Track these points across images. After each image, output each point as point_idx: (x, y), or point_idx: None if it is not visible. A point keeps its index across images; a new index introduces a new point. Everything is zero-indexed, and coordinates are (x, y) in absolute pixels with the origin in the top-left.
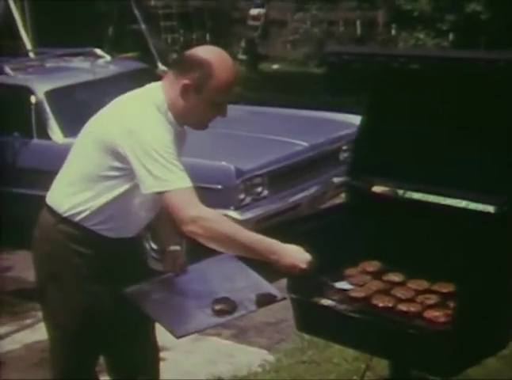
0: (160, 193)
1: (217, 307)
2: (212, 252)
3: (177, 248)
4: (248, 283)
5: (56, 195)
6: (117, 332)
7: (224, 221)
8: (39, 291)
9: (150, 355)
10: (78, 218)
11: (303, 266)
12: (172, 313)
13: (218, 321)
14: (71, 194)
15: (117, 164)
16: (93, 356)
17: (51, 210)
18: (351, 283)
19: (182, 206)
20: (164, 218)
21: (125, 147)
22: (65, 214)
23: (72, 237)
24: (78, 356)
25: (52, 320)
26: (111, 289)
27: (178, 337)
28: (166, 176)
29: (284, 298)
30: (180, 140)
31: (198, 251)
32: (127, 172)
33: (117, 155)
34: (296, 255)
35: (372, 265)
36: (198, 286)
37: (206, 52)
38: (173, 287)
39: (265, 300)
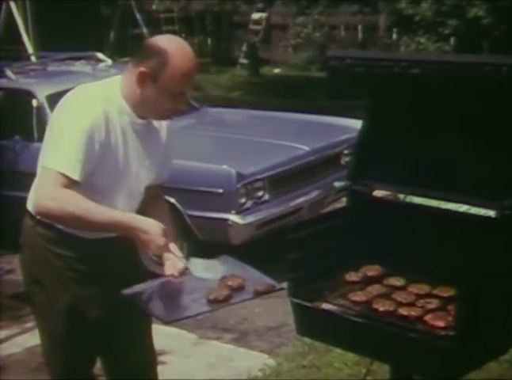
0: (41, 169)
1: (211, 296)
2: (211, 256)
3: (179, 254)
4: (246, 277)
5: (31, 197)
6: (108, 334)
7: (77, 200)
8: (27, 296)
9: (147, 357)
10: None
11: (161, 242)
12: (164, 305)
13: (209, 309)
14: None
15: None
16: (86, 360)
17: (29, 213)
18: None
19: (40, 186)
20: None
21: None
22: (38, 216)
23: (50, 239)
24: (70, 360)
25: (40, 325)
26: (97, 291)
27: (166, 322)
28: (52, 155)
29: (282, 289)
30: (143, 134)
31: (198, 255)
32: None
33: None
34: (153, 231)
35: (374, 269)
36: (194, 284)
37: (164, 41)
38: (169, 287)
39: (262, 289)
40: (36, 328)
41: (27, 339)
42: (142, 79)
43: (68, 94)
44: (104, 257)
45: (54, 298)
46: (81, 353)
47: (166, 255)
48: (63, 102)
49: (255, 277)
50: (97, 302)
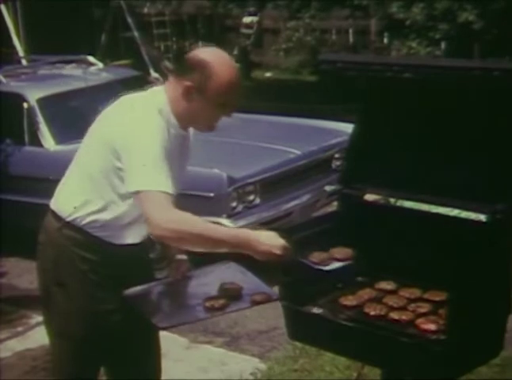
0: (136, 193)
1: (207, 304)
2: (215, 260)
3: (184, 257)
4: (246, 286)
5: (60, 198)
6: (122, 339)
7: (193, 221)
8: (43, 297)
9: (153, 363)
10: (81, 223)
11: (278, 252)
12: (161, 309)
13: (205, 316)
14: (73, 196)
15: (119, 164)
16: (97, 363)
17: (54, 214)
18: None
19: (152, 209)
20: None
21: (122, 147)
22: (68, 219)
23: (77, 242)
24: (81, 363)
25: (56, 326)
26: (117, 296)
27: (161, 329)
28: (145, 176)
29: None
30: (182, 144)
31: (202, 259)
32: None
33: (118, 155)
34: (270, 242)
35: None
36: (195, 289)
37: (205, 53)
38: (170, 290)
39: (259, 298)
40: (27, 332)
41: (17, 343)
42: (188, 93)
43: (119, 107)
44: (125, 262)
45: (76, 301)
46: (95, 357)
47: (171, 257)
48: (119, 117)
49: (254, 285)
50: (118, 306)
